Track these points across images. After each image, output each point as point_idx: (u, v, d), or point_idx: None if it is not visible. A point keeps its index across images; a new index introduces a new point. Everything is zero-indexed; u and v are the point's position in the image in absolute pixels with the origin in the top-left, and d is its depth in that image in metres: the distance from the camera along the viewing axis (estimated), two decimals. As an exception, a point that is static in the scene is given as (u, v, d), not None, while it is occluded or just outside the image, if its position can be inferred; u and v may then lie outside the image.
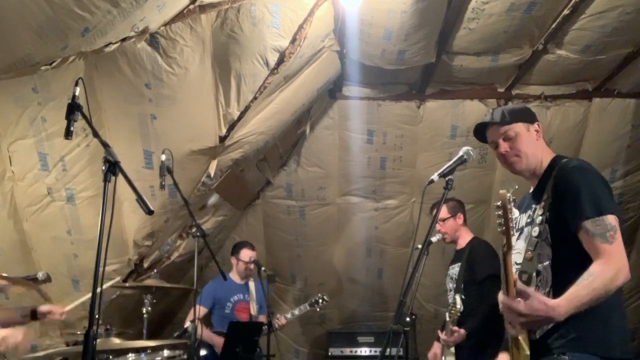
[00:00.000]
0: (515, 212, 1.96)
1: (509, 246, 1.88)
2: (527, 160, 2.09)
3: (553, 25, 3.84)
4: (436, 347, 3.73)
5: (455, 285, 3.61)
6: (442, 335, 3.50)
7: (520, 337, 1.90)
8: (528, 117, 2.15)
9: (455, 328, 3.40)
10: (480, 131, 2.22)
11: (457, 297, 3.50)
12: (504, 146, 2.11)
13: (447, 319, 3.46)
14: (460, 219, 3.78)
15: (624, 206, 5.12)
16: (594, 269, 1.79)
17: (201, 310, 4.36)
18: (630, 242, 5.28)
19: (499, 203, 1.88)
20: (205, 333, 4.32)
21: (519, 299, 1.78)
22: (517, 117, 2.12)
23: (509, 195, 1.88)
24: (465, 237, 3.77)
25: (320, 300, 4.80)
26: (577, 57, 4.18)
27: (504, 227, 1.88)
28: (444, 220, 3.74)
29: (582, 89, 4.73)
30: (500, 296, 1.89)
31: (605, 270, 1.78)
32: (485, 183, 5.12)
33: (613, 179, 5.00)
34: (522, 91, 4.75)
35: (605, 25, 3.77)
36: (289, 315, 4.70)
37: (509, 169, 2.15)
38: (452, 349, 3.49)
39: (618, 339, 1.86)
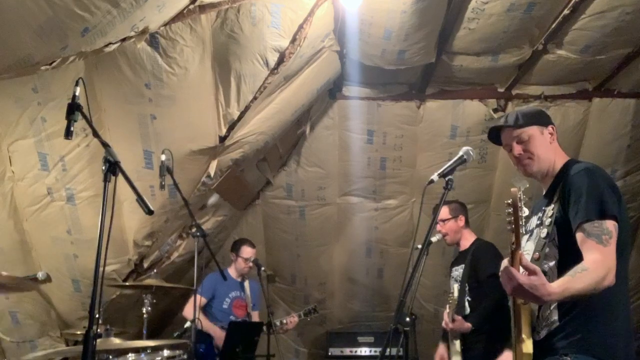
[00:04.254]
0: (526, 211, 1.97)
1: (517, 244, 1.88)
2: (540, 163, 2.10)
3: (553, 25, 3.84)
4: (441, 349, 3.72)
5: (459, 287, 3.60)
6: (445, 318, 3.49)
7: (523, 337, 1.90)
8: (542, 120, 2.16)
9: (457, 316, 3.41)
10: (495, 134, 2.23)
11: (455, 286, 3.54)
12: (517, 149, 2.12)
13: (447, 309, 3.47)
14: (461, 220, 3.78)
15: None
16: (588, 264, 1.79)
17: (201, 300, 4.34)
18: (630, 242, 5.28)
19: (509, 200, 1.88)
20: (206, 323, 4.33)
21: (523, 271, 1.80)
22: (531, 120, 2.13)
23: (520, 193, 1.88)
24: (468, 239, 3.77)
25: (313, 312, 4.85)
26: (577, 57, 4.18)
27: (513, 225, 1.88)
28: (444, 220, 3.75)
29: (582, 89, 4.73)
30: (505, 262, 1.89)
31: (599, 268, 1.78)
32: (485, 183, 5.12)
33: (613, 179, 4.98)
34: (522, 91, 4.76)
35: (605, 25, 3.77)
36: (277, 323, 4.65)
37: (522, 172, 2.16)
38: (458, 347, 3.48)
39: (622, 342, 1.86)
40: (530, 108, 2.28)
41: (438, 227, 3.75)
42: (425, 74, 4.54)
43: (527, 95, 4.75)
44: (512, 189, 1.89)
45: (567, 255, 1.92)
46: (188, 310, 4.41)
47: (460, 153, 2.32)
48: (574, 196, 1.92)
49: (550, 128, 2.15)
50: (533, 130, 2.12)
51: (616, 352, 1.84)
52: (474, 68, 4.37)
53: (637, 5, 3.57)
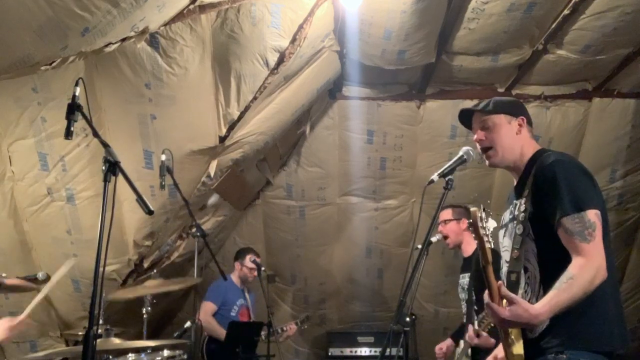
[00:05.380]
0: (491, 225, 1.94)
1: (486, 261, 1.88)
2: (502, 153, 2.08)
3: (553, 25, 3.84)
4: (447, 342, 3.69)
5: (466, 296, 3.54)
6: (470, 332, 3.31)
7: (512, 338, 1.89)
8: (513, 110, 2.12)
9: (483, 332, 3.30)
10: (466, 118, 2.21)
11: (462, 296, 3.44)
12: (479, 135, 2.11)
13: (477, 326, 3.29)
14: (464, 224, 3.71)
15: (624, 206, 5.12)
16: (573, 270, 1.77)
17: (212, 307, 4.46)
18: (630, 242, 5.27)
19: (470, 221, 1.88)
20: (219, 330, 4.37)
21: (504, 302, 1.80)
22: (501, 108, 2.11)
23: (480, 213, 1.87)
24: (471, 244, 3.71)
25: (306, 320, 4.98)
26: (577, 57, 4.18)
27: (479, 244, 1.89)
28: (446, 221, 3.72)
29: (582, 89, 4.74)
30: (486, 297, 1.88)
31: (584, 273, 1.76)
32: (485, 183, 5.12)
33: (613, 179, 5.00)
34: (522, 91, 4.76)
35: (605, 25, 3.77)
36: (279, 330, 4.67)
37: (485, 160, 2.14)
38: (469, 352, 3.43)
39: (617, 330, 1.85)
40: (506, 98, 2.25)
41: (440, 227, 3.73)
42: (425, 74, 4.55)
43: (527, 95, 4.75)
44: (472, 209, 1.88)
45: (546, 249, 1.91)
46: (204, 317, 4.39)
47: (460, 153, 2.32)
48: (547, 190, 1.89)
49: (520, 119, 2.10)
50: (499, 119, 2.09)
51: (612, 341, 1.83)
52: (474, 68, 4.37)
53: (637, 5, 3.57)
